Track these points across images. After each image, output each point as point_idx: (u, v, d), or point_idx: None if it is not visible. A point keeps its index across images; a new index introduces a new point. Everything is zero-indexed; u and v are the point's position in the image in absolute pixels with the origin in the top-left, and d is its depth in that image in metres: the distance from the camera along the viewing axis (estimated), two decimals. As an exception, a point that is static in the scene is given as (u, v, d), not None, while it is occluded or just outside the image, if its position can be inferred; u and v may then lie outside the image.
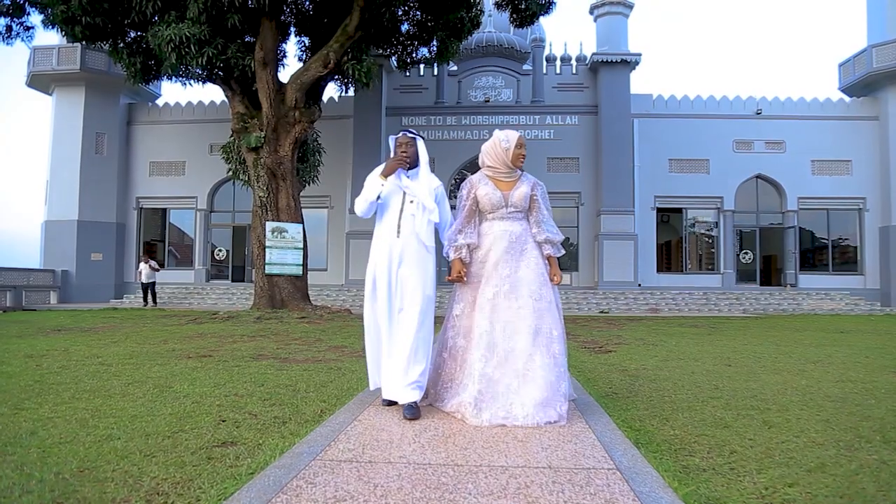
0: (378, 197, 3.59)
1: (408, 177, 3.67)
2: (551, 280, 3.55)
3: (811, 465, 2.62)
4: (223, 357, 6.27)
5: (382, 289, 3.51)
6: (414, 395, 3.40)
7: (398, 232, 3.55)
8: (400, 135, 3.74)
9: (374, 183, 3.63)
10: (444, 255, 3.63)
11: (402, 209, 3.60)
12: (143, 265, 18.80)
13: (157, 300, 18.88)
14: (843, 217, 21.65)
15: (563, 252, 3.63)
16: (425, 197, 3.60)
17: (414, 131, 3.76)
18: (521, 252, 3.53)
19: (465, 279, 3.55)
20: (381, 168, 3.69)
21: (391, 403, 3.61)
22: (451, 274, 3.58)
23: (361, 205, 3.65)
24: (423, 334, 3.49)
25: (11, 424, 3.25)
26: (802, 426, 3.30)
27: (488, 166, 3.65)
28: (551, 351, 3.34)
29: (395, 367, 3.47)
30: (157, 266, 19.04)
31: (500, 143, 3.60)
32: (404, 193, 3.63)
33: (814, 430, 3.20)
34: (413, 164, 3.70)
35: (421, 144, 3.74)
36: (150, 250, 22.51)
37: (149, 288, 18.61)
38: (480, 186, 3.60)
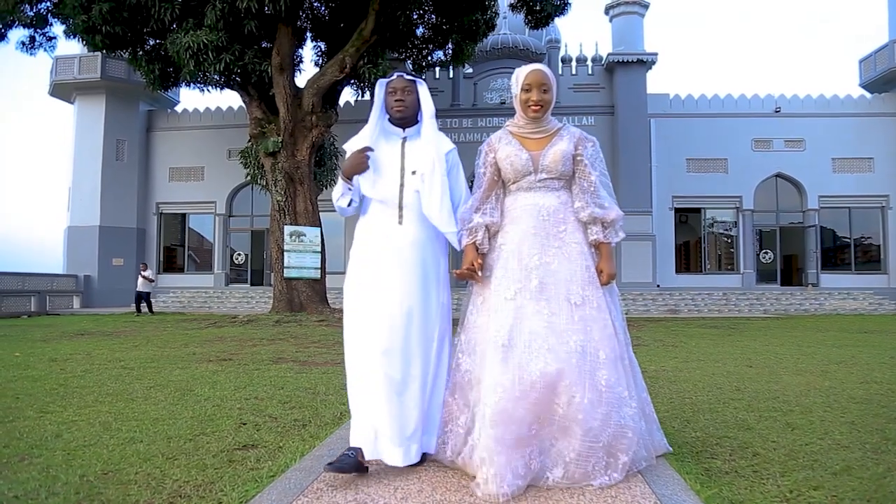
0: (350, 203, 2.61)
1: (405, 137, 2.65)
2: (599, 277, 2.52)
3: (836, 467, 2.58)
4: (243, 360, 6.33)
5: (380, 299, 2.45)
6: (407, 457, 2.38)
7: (400, 217, 2.55)
8: (395, 77, 2.63)
9: (339, 186, 2.63)
10: (458, 240, 2.64)
11: (402, 184, 2.57)
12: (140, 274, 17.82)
13: (140, 309, 17.28)
14: (866, 215, 21.29)
15: (623, 237, 2.64)
16: (431, 166, 2.56)
17: (413, 73, 2.72)
18: (556, 235, 2.52)
19: (478, 274, 2.55)
20: (357, 141, 2.65)
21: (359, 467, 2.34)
22: (462, 266, 2.58)
23: (338, 205, 2.66)
24: (435, 362, 2.51)
25: (37, 427, 3.31)
26: (827, 428, 3.25)
27: (512, 121, 2.70)
28: (595, 382, 2.30)
29: (386, 408, 2.38)
30: (151, 276, 17.93)
31: (512, 86, 2.65)
32: (403, 160, 2.61)
33: (838, 433, 3.15)
34: (412, 118, 2.66)
35: (424, 91, 2.65)
36: (170, 255, 22.82)
37: (142, 297, 17.41)
38: (501, 147, 2.61)
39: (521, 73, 2.58)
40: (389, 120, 2.67)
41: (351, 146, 2.64)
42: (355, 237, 2.64)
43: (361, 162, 2.53)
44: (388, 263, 2.49)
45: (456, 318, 2.64)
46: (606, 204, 2.60)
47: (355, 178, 2.57)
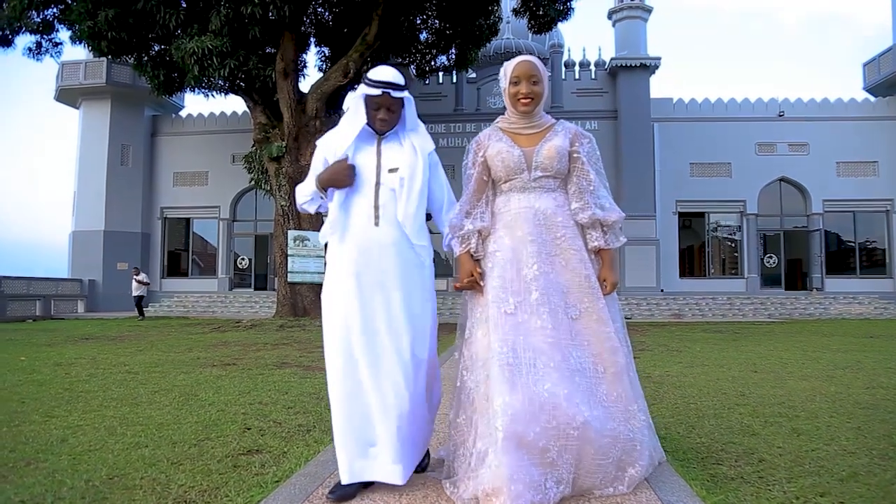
0: (318, 208, 2.48)
1: (383, 138, 2.43)
2: (601, 285, 2.35)
3: (843, 474, 2.56)
4: (247, 365, 6.33)
5: (360, 309, 2.27)
6: (405, 474, 2.25)
7: (377, 219, 2.33)
8: (380, 94, 2.33)
9: (308, 190, 2.47)
10: (445, 248, 2.50)
11: (377, 183, 2.36)
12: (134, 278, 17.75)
13: (143, 313, 17.41)
14: (870, 219, 21.24)
15: (624, 241, 2.47)
16: (411, 170, 2.36)
17: (401, 83, 2.37)
18: (553, 242, 2.34)
19: (481, 283, 2.36)
20: (332, 139, 2.44)
21: (365, 485, 2.28)
22: (461, 278, 2.40)
23: (301, 207, 2.59)
24: (422, 374, 2.31)
25: (43, 432, 3.32)
26: (833, 434, 3.23)
27: (502, 117, 2.53)
28: (598, 397, 2.20)
29: (379, 429, 2.24)
30: (144, 280, 17.84)
31: (500, 80, 2.49)
32: (379, 158, 2.40)
33: (845, 438, 3.14)
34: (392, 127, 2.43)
35: (410, 107, 2.45)
36: (174, 260, 22.87)
37: (138, 302, 17.40)
38: (491, 144, 2.43)
39: (509, 66, 2.42)
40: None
41: (325, 143, 2.46)
42: (329, 241, 2.41)
43: (345, 178, 2.33)
44: (366, 270, 2.30)
45: (449, 322, 2.55)
46: (607, 205, 2.41)
47: (330, 189, 2.37)
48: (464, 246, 2.41)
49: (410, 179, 2.34)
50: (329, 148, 2.43)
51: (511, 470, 1.99)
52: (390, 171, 2.36)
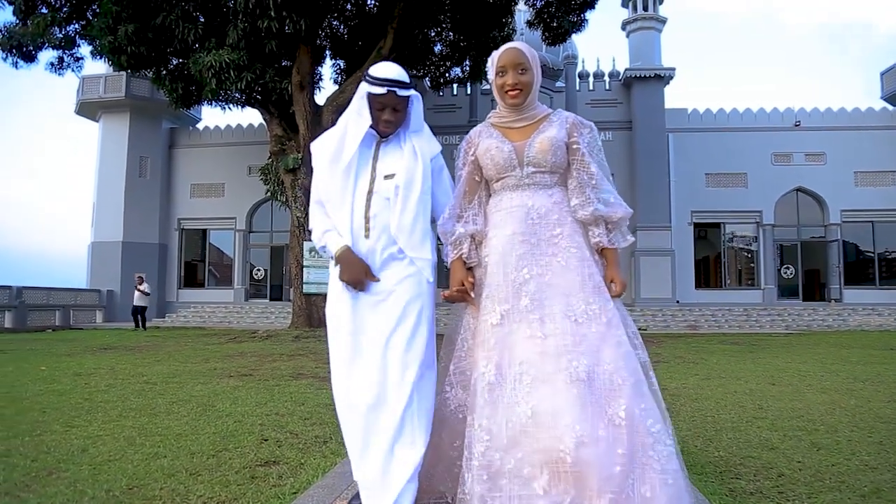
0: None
1: (382, 141, 2.23)
2: (609, 288, 2.06)
3: (865, 489, 2.53)
4: (263, 376, 6.37)
5: (348, 326, 2.12)
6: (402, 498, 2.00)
7: (367, 230, 2.14)
8: (385, 93, 2.12)
9: (325, 241, 2.23)
10: (445, 257, 2.26)
11: (370, 191, 2.16)
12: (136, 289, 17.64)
13: (145, 325, 17.29)
14: (890, 229, 20.95)
15: (632, 240, 2.19)
16: (409, 176, 2.14)
17: (406, 81, 2.18)
18: (550, 241, 2.08)
19: (471, 294, 2.15)
20: (328, 141, 2.27)
21: None
22: (450, 286, 2.19)
23: (314, 239, 2.33)
24: (417, 394, 2.06)
25: (64, 441, 3.37)
26: (854, 448, 3.20)
27: (494, 112, 2.33)
28: (611, 415, 1.81)
29: (373, 457, 2.04)
30: (145, 290, 17.67)
31: (487, 72, 2.28)
32: (375, 163, 2.20)
33: (866, 453, 3.10)
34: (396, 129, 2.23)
35: (418, 105, 2.24)
36: (191, 270, 23.06)
37: (138, 312, 17.25)
38: (482, 141, 2.24)
39: (495, 55, 2.21)
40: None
41: (322, 147, 2.28)
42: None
43: (359, 286, 2.11)
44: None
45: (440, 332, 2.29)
46: (612, 199, 2.12)
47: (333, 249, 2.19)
48: (455, 252, 2.18)
49: (407, 187, 2.12)
50: (326, 152, 2.23)
51: (484, 501, 1.79)
52: (386, 177, 2.15)
